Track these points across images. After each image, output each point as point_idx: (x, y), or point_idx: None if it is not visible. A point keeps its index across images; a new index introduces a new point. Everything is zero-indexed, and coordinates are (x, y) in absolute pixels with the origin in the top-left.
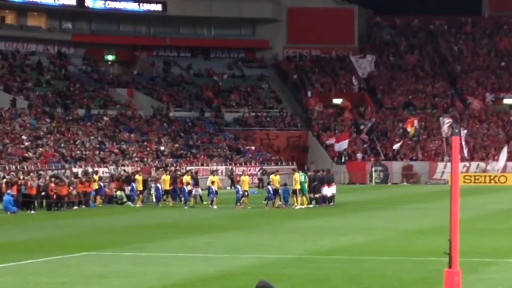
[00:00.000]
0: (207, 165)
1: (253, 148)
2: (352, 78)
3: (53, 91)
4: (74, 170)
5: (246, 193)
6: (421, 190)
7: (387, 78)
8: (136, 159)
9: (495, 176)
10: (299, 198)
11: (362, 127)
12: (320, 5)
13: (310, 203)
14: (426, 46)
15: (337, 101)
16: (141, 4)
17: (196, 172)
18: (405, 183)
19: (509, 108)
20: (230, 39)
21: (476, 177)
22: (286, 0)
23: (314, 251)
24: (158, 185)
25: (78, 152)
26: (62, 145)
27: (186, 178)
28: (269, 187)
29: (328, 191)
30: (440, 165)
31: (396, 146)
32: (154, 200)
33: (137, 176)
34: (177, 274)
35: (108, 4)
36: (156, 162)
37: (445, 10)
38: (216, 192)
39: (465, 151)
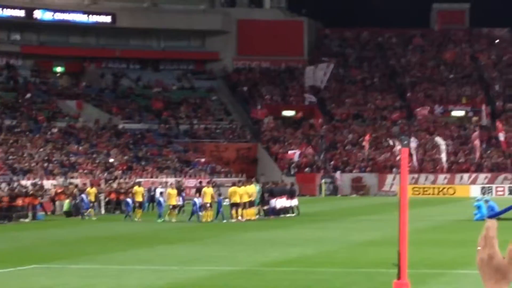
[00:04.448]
0: (157, 177)
1: (202, 160)
2: (304, 92)
3: (1, 102)
4: (23, 182)
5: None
6: (370, 202)
7: (336, 90)
8: (85, 171)
9: (444, 188)
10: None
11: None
12: (270, 17)
13: (258, 214)
14: (375, 58)
15: (286, 113)
16: (90, 15)
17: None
18: (354, 195)
19: (457, 120)
20: (180, 51)
21: (425, 189)
22: (235, 12)
23: (264, 263)
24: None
25: (26, 164)
26: (10, 157)
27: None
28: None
29: (278, 203)
30: (389, 177)
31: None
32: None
33: (136, 188)
34: (127, 286)
35: (57, 16)
36: (105, 174)
37: (394, 23)
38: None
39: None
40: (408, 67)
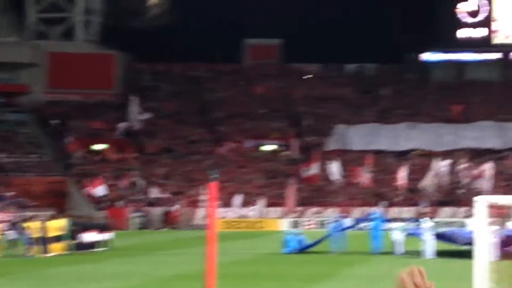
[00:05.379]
0: None
1: (10, 194)
2: (117, 124)
3: None
4: None
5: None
6: (181, 235)
7: (148, 124)
8: None
9: (254, 222)
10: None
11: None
12: (81, 50)
13: (69, 249)
14: (187, 93)
15: (97, 146)
16: None
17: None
18: (165, 229)
19: (268, 154)
20: None
21: (235, 223)
22: (46, 44)
23: None
24: None
25: None
26: None
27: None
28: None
29: (87, 237)
30: (201, 210)
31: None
32: None
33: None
34: None
35: None
36: None
37: (206, 58)
38: None
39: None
40: (220, 102)
